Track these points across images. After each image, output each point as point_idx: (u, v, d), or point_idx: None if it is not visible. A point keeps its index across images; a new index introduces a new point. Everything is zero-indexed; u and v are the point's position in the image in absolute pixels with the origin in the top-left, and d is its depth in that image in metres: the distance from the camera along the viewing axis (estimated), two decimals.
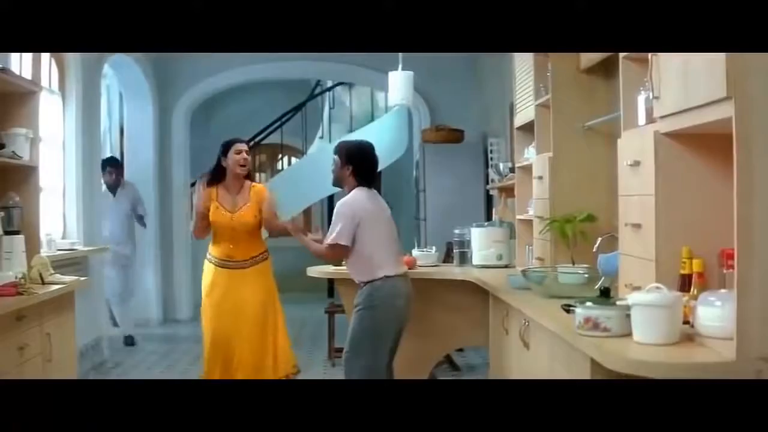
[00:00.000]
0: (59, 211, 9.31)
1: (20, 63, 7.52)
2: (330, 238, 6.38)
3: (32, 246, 6.93)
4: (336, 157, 6.60)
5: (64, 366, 6.63)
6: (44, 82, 8.55)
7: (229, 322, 7.33)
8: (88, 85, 9.86)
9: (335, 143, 7.22)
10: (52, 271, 6.82)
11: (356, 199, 6.42)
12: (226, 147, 7.42)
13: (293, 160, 18.98)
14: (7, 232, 6.66)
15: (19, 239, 6.71)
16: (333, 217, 6.45)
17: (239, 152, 7.37)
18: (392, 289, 6.39)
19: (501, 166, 9.59)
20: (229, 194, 7.41)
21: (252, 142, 14.40)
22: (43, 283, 6.60)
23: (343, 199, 6.46)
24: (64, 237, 9.23)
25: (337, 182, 6.68)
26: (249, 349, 7.33)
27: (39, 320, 6.17)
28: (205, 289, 7.45)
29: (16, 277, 6.24)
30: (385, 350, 6.43)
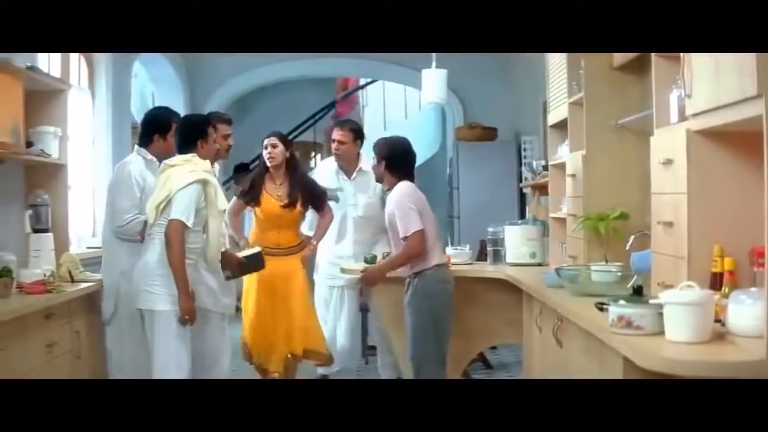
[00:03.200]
0: (89, 210, 9.34)
1: (49, 61, 7.54)
2: (410, 230, 6.39)
3: (61, 244, 7.01)
4: (375, 155, 6.74)
5: (94, 363, 6.66)
6: (73, 80, 8.57)
7: (274, 304, 7.79)
8: (118, 82, 9.87)
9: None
10: (82, 269, 6.87)
11: (410, 191, 6.56)
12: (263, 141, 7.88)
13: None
14: (35, 230, 6.72)
15: (48, 237, 6.75)
16: (398, 213, 6.45)
17: (265, 147, 7.82)
18: (444, 276, 6.62)
19: (534, 163, 9.55)
20: (274, 184, 7.82)
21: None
22: (73, 281, 6.65)
23: (397, 194, 6.54)
24: (94, 235, 9.26)
25: (378, 179, 6.82)
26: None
27: (68, 318, 6.22)
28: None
29: (44, 275, 6.28)
30: (447, 336, 6.60)
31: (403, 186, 6.56)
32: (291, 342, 7.69)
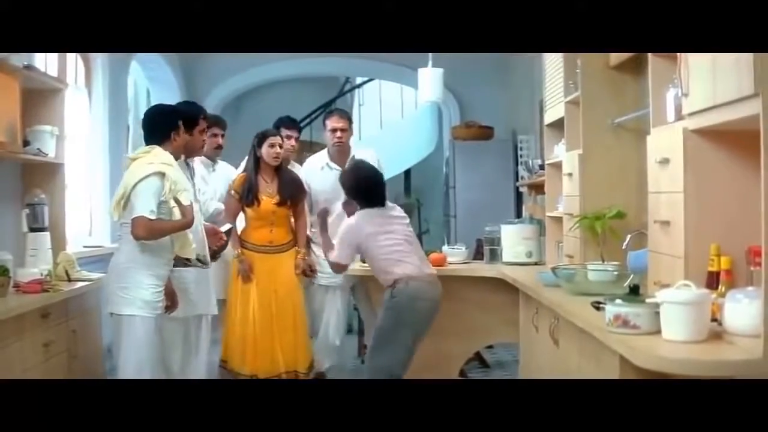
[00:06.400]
0: (86, 209, 9.33)
1: (45, 60, 7.52)
2: (332, 256, 6.72)
3: (58, 243, 7.00)
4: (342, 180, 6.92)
5: (90, 363, 6.67)
6: (70, 79, 8.54)
7: (267, 306, 7.74)
8: (114, 82, 9.89)
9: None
10: (78, 268, 6.87)
11: (357, 224, 6.66)
12: (261, 139, 7.83)
13: None
14: (32, 229, 6.71)
15: (45, 236, 6.75)
16: (337, 237, 6.73)
17: (273, 145, 7.75)
18: (414, 291, 6.49)
19: (531, 162, 9.57)
20: (266, 182, 7.80)
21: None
22: (69, 280, 6.64)
23: (345, 224, 6.75)
24: (91, 234, 9.26)
25: (345, 208, 6.97)
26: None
27: (65, 317, 6.23)
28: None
29: (41, 275, 6.27)
30: (402, 350, 6.55)
31: (358, 219, 6.69)
32: (277, 361, 7.69)
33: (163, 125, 5.75)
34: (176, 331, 6.51)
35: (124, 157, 5.79)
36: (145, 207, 5.32)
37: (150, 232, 5.37)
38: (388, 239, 6.59)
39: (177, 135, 5.77)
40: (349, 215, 6.80)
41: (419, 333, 6.62)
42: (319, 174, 8.13)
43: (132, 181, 5.40)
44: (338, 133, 8.04)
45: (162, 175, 5.43)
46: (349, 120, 8.26)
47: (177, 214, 5.51)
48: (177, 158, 5.82)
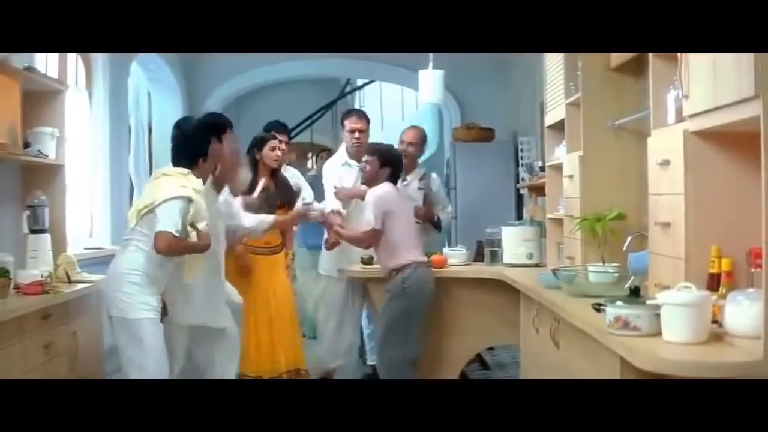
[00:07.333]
0: (87, 210, 9.31)
1: (46, 61, 7.51)
2: (371, 225, 7.06)
3: (59, 245, 7.02)
4: (372, 158, 7.27)
5: (91, 364, 6.66)
6: (71, 81, 8.51)
7: (268, 307, 7.81)
8: (115, 83, 9.85)
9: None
10: (79, 270, 6.86)
11: (387, 191, 7.11)
12: (261, 142, 7.89)
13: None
14: (33, 231, 6.71)
15: (45, 238, 6.76)
16: (372, 208, 7.07)
17: (273, 148, 7.84)
18: (422, 275, 7.00)
19: (532, 164, 9.55)
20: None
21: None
22: (70, 281, 6.63)
23: (373, 192, 7.13)
24: (91, 236, 9.24)
25: (368, 181, 7.28)
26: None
27: (65, 319, 6.22)
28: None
29: (42, 276, 6.27)
30: (416, 337, 6.98)
31: (386, 188, 7.16)
32: (279, 361, 7.70)
33: (194, 152, 5.91)
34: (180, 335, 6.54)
35: (157, 171, 5.88)
36: (171, 224, 5.46)
37: (171, 248, 5.51)
38: (403, 218, 7.15)
39: (204, 161, 5.92)
40: (367, 175, 7.33)
41: (424, 316, 7.08)
42: (339, 170, 8.30)
43: (162, 196, 5.53)
44: (356, 134, 8.31)
45: (189, 200, 5.58)
46: (367, 120, 8.48)
47: (193, 238, 5.68)
48: (205, 181, 5.99)
